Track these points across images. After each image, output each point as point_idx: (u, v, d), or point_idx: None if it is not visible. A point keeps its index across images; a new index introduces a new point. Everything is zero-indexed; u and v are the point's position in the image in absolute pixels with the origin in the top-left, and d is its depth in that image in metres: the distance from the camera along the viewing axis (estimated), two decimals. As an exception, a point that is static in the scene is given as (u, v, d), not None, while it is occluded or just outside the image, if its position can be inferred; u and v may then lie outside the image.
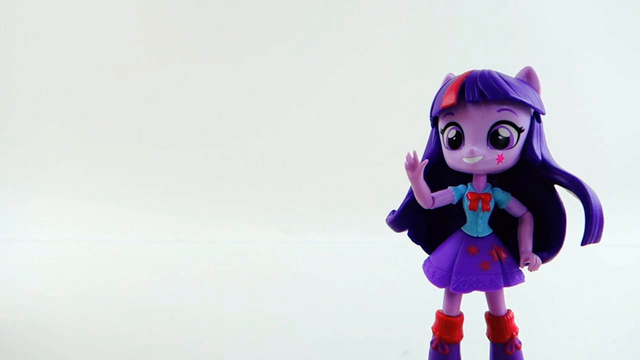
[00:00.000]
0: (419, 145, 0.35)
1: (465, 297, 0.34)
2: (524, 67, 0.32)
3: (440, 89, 0.32)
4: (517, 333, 0.35)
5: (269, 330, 0.48)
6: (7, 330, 0.47)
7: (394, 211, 0.34)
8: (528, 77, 0.31)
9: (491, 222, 0.33)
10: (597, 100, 0.85)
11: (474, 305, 0.36)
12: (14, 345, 0.44)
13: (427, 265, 0.34)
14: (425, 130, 0.35)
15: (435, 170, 0.33)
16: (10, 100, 0.90)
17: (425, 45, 0.79)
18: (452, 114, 0.31)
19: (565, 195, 0.32)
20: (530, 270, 0.32)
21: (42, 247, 0.77)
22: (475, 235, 0.33)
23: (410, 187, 0.32)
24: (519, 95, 0.30)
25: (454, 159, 0.32)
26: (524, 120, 0.31)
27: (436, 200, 0.32)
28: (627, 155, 0.84)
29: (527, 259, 0.31)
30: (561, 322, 0.49)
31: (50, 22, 0.89)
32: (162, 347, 0.45)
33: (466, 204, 0.33)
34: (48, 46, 0.89)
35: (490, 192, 0.32)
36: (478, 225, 0.33)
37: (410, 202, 0.33)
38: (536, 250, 0.32)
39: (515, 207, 0.33)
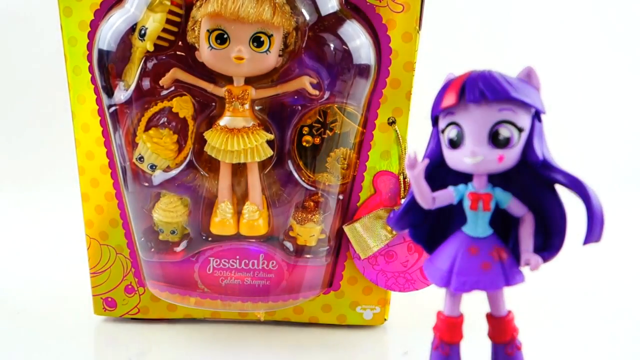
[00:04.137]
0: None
1: (465, 297, 0.34)
2: (524, 67, 0.32)
3: (441, 88, 0.33)
4: (517, 334, 0.35)
5: (268, 327, 0.47)
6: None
7: (395, 211, 0.36)
8: (528, 77, 0.32)
9: (492, 222, 0.33)
10: (597, 99, 0.87)
11: (474, 306, 0.37)
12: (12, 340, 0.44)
13: (427, 265, 0.35)
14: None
15: (436, 170, 0.34)
16: None
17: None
18: (453, 114, 0.32)
19: (565, 195, 0.32)
20: (531, 270, 0.32)
21: None
22: (476, 236, 0.33)
23: (412, 187, 0.33)
24: (519, 95, 0.30)
25: (455, 158, 0.32)
26: (524, 120, 0.31)
27: (437, 200, 0.33)
28: (628, 154, 0.85)
29: (527, 259, 0.32)
30: (561, 322, 0.50)
31: None
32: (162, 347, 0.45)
33: (467, 204, 0.33)
34: None
35: (491, 192, 0.33)
36: (479, 226, 0.33)
37: (412, 202, 0.34)
38: (537, 250, 0.33)
39: (516, 207, 0.33)
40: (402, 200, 0.45)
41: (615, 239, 0.57)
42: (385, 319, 0.49)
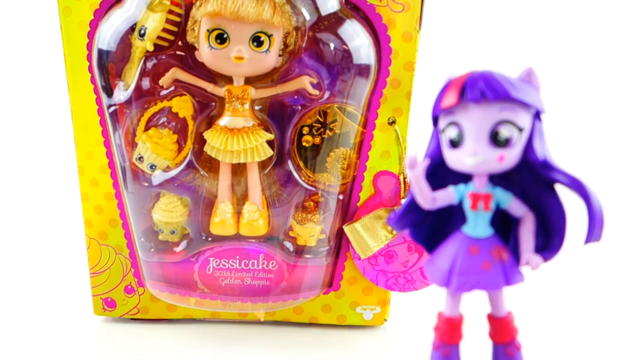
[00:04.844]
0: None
1: (465, 297, 0.34)
2: (525, 67, 0.32)
3: (442, 88, 0.33)
4: (517, 334, 0.35)
5: (268, 327, 0.48)
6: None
7: (395, 211, 0.36)
8: (529, 78, 0.32)
9: (492, 222, 0.33)
10: (597, 99, 0.87)
11: (474, 306, 0.37)
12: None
13: (428, 265, 0.35)
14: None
15: (437, 170, 0.34)
16: None
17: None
18: (453, 114, 0.32)
19: (565, 195, 0.32)
20: (532, 270, 0.32)
21: None
22: (476, 236, 0.33)
23: (412, 187, 0.33)
24: (520, 95, 0.31)
25: (455, 158, 0.32)
26: (525, 120, 0.31)
27: (437, 200, 0.33)
28: (628, 154, 0.85)
29: (528, 259, 0.32)
30: (561, 322, 0.50)
31: None
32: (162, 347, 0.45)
33: (467, 204, 0.33)
34: None
35: (492, 192, 0.33)
36: (479, 226, 0.33)
37: (412, 202, 0.34)
38: (537, 250, 0.32)
39: (516, 207, 0.33)
40: (402, 200, 0.45)
41: (615, 239, 0.57)
42: (385, 319, 0.48)
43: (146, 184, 0.44)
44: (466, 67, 0.33)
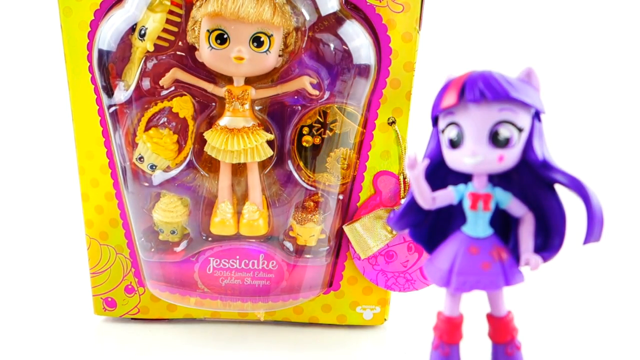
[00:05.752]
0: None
1: (465, 297, 0.35)
2: (524, 67, 0.32)
3: (441, 89, 0.33)
4: (517, 334, 0.35)
5: (268, 327, 0.48)
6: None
7: (395, 211, 0.36)
8: (528, 78, 0.32)
9: (492, 222, 0.33)
10: (597, 99, 0.87)
11: (474, 306, 0.37)
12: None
13: (427, 265, 0.35)
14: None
15: (436, 170, 0.34)
16: None
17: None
18: (453, 114, 0.32)
19: (565, 195, 0.32)
20: (531, 270, 0.32)
21: None
22: (476, 236, 0.33)
23: (412, 187, 0.33)
24: (519, 95, 0.31)
25: (455, 158, 0.32)
26: (524, 120, 0.31)
27: (437, 200, 0.33)
28: (628, 154, 0.86)
29: (527, 259, 0.32)
30: (561, 322, 0.50)
31: None
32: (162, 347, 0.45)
33: (467, 204, 0.33)
34: None
35: (491, 192, 0.33)
36: (479, 226, 0.33)
37: (412, 202, 0.34)
38: (537, 250, 0.33)
39: (516, 207, 0.33)
40: (402, 200, 0.45)
41: (615, 239, 0.57)
42: (385, 319, 0.48)
43: (146, 184, 0.44)
44: (466, 67, 0.33)
